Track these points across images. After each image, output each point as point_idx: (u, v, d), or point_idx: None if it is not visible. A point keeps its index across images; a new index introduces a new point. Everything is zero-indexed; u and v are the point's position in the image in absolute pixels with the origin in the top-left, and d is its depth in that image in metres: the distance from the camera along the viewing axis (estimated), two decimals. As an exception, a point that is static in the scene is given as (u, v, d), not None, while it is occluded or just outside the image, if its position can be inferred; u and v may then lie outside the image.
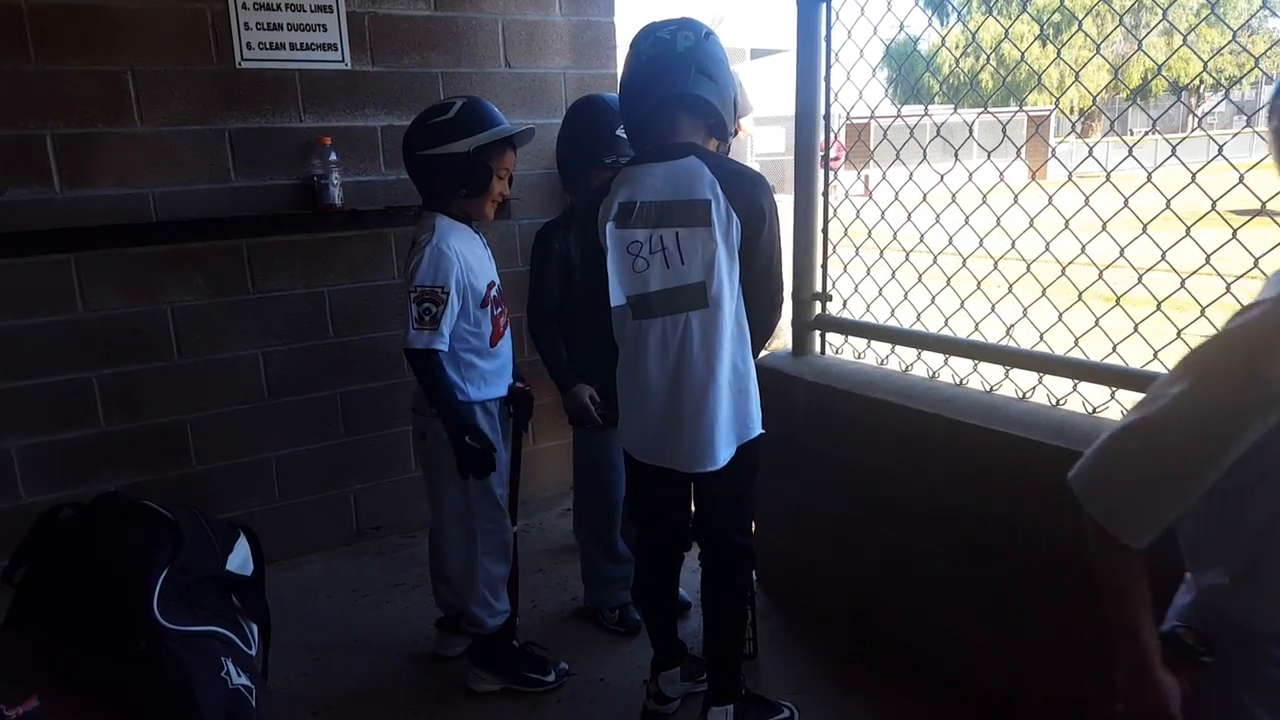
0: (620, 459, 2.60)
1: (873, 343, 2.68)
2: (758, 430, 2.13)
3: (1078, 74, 2.22)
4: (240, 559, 1.96)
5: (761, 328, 2.13)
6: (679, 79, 1.96)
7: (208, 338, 3.20)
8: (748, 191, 1.99)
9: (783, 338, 2.95)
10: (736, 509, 2.22)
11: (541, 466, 3.91)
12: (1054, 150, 2.67)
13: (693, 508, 2.29)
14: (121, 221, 2.97)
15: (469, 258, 2.39)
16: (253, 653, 1.80)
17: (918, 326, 2.51)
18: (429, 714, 2.52)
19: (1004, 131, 2.27)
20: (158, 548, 1.75)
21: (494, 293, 2.47)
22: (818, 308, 2.79)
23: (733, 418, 2.07)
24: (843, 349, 2.82)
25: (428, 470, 2.54)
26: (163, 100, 3.00)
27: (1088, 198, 2.07)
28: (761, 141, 16.75)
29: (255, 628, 1.86)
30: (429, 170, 2.37)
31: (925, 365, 2.54)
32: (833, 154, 2.71)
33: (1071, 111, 22.35)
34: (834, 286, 2.78)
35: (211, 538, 1.90)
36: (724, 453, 2.06)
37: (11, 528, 2.12)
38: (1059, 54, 2.24)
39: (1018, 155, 2.27)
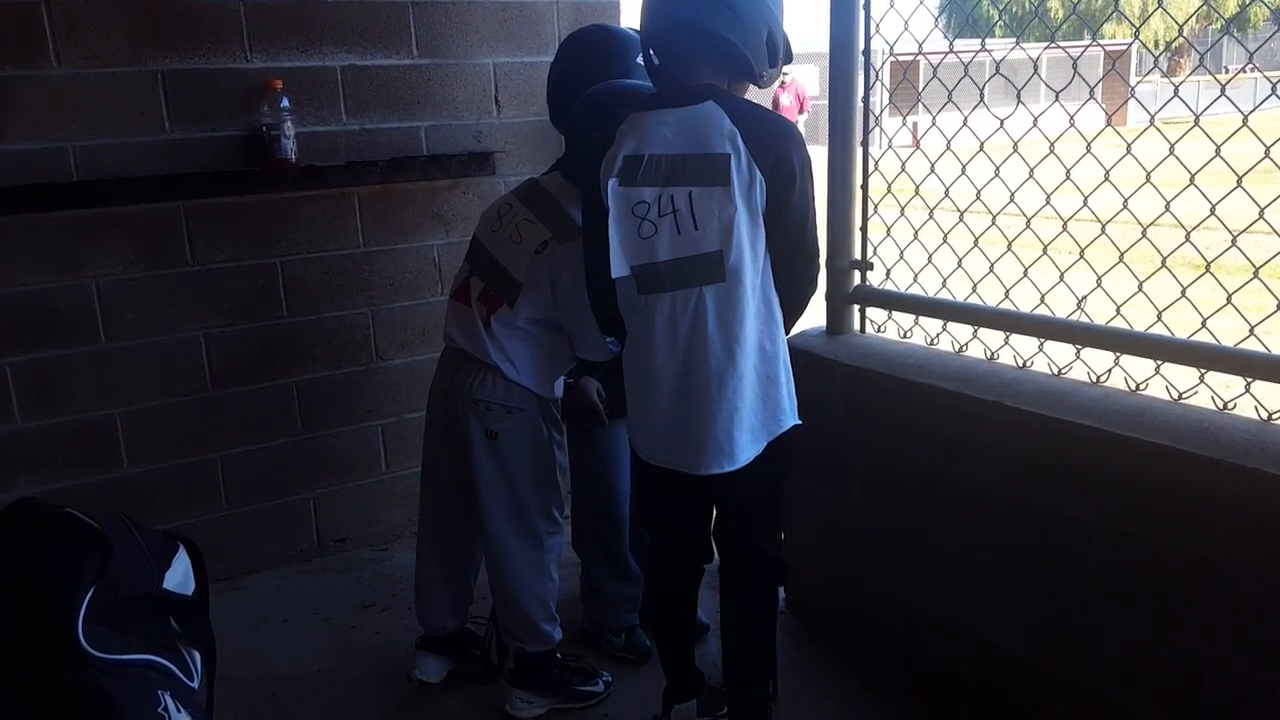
0: (627, 455, 2.62)
1: (920, 319, 2.68)
2: (791, 422, 2.13)
3: (1161, 1, 2.20)
4: (180, 576, 1.97)
5: (793, 303, 2.13)
6: (696, 6, 1.96)
7: (140, 318, 3.21)
8: (774, 143, 1.98)
9: (815, 313, 2.93)
10: (764, 513, 2.22)
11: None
12: (1134, 91, 2.66)
13: (713, 511, 2.30)
14: (36, 181, 2.97)
15: None
16: (195, 685, 1.81)
17: (973, 300, 2.51)
18: (402, 755, 2.53)
19: (1075, 69, 2.26)
20: (83, 562, 1.75)
21: None
22: (856, 278, 2.79)
23: (760, 408, 2.07)
24: (885, 326, 2.82)
25: (488, 476, 2.51)
26: (84, 36, 2.99)
27: (1172, 146, 2.05)
28: (798, 83, 16.69)
29: (198, 656, 1.87)
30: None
31: (982, 345, 2.53)
32: (786, 102, 2.71)
33: (1155, 46, 22.20)
34: (875, 253, 2.78)
35: (146, 551, 1.90)
36: (746, 450, 2.06)
37: None
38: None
39: (1091, 97, 2.25)
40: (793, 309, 2.14)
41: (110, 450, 3.24)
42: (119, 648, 1.69)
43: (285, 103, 3.20)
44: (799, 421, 2.15)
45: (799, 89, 16.57)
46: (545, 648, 2.63)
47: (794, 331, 2.31)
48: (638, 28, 2.16)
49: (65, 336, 3.12)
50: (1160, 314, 2.11)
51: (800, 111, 16.15)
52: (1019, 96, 2.36)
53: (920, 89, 2.70)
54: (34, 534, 1.84)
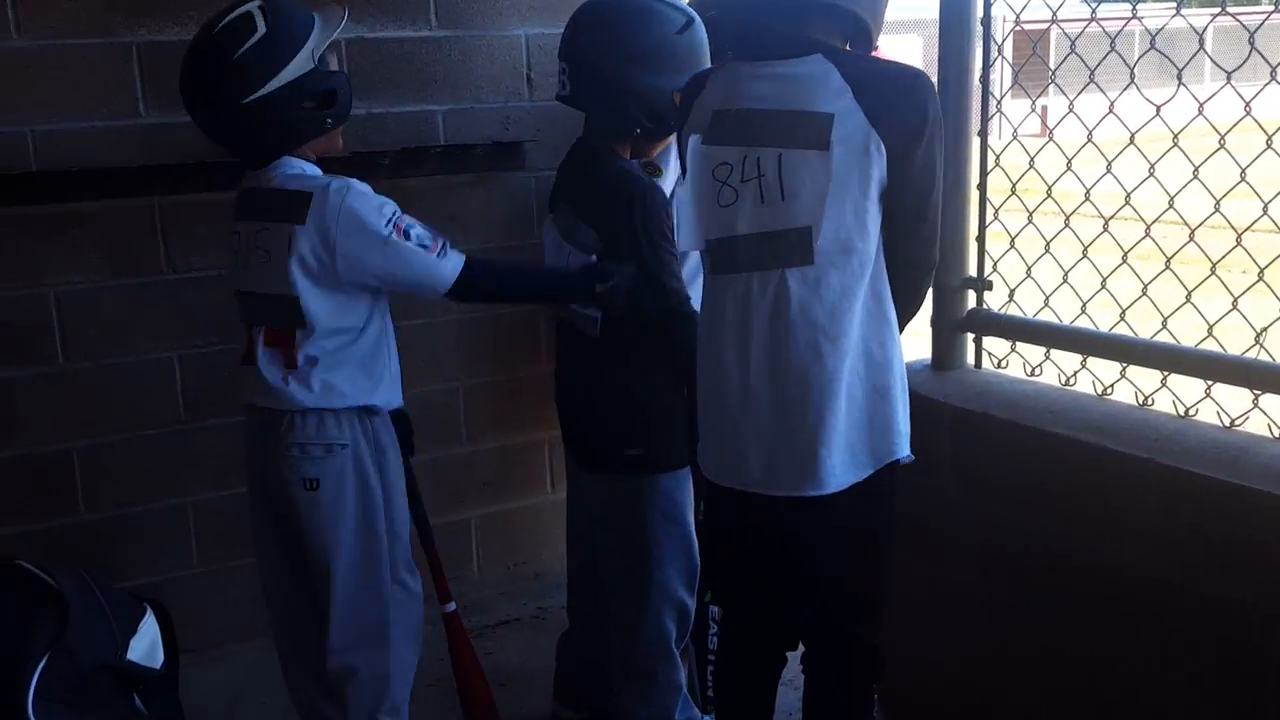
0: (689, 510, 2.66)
1: (1052, 352, 2.62)
2: (902, 452, 2.09)
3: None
4: (146, 645, 2.05)
5: (906, 297, 2.11)
6: None
7: (105, 334, 3.22)
8: (899, 98, 1.97)
9: (916, 341, 2.88)
10: (861, 580, 2.17)
11: (558, 526, 3.84)
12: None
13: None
14: (-13, 171, 3.01)
15: None
16: (160, 775, 1.88)
17: (1120, 329, 2.45)
18: None
19: (1252, 43, 2.22)
20: (35, 625, 1.82)
21: None
22: (970, 300, 2.76)
23: (864, 425, 2.03)
24: (1007, 361, 2.77)
25: (312, 533, 2.48)
26: (48, 2, 3.02)
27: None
28: (889, 55, 16.76)
29: (165, 741, 1.95)
30: (272, 114, 2.33)
31: (1132, 387, 2.46)
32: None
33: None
34: (995, 269, 2.74)
35: (109, 614, 1.97)
36: (838, 474, 2.01)
37: None
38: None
39: (1273, 77, 2.18)
40: (906, 305, 2.11)
41: (65, 491, 3.24)
42: (74, 727, 1.75)
43: (280, 81, 3.19)
44: (910, 455, 2.11)
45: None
46: None
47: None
48: None
49: (16, 355, 3.14)
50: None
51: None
52: (1179, 76, 2.30)
53: (1053, 66, 2.69)
54: None
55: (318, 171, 2.45)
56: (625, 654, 2.78)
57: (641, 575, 2.69)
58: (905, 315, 2.13)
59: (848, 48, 2.06)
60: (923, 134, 1.97)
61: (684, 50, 2.55)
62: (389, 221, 2.35)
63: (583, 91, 2.59)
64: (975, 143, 2.67)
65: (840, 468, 2.01)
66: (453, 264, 2.39)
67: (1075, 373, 2.59)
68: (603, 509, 2.77)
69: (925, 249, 2.13)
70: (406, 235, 2.35)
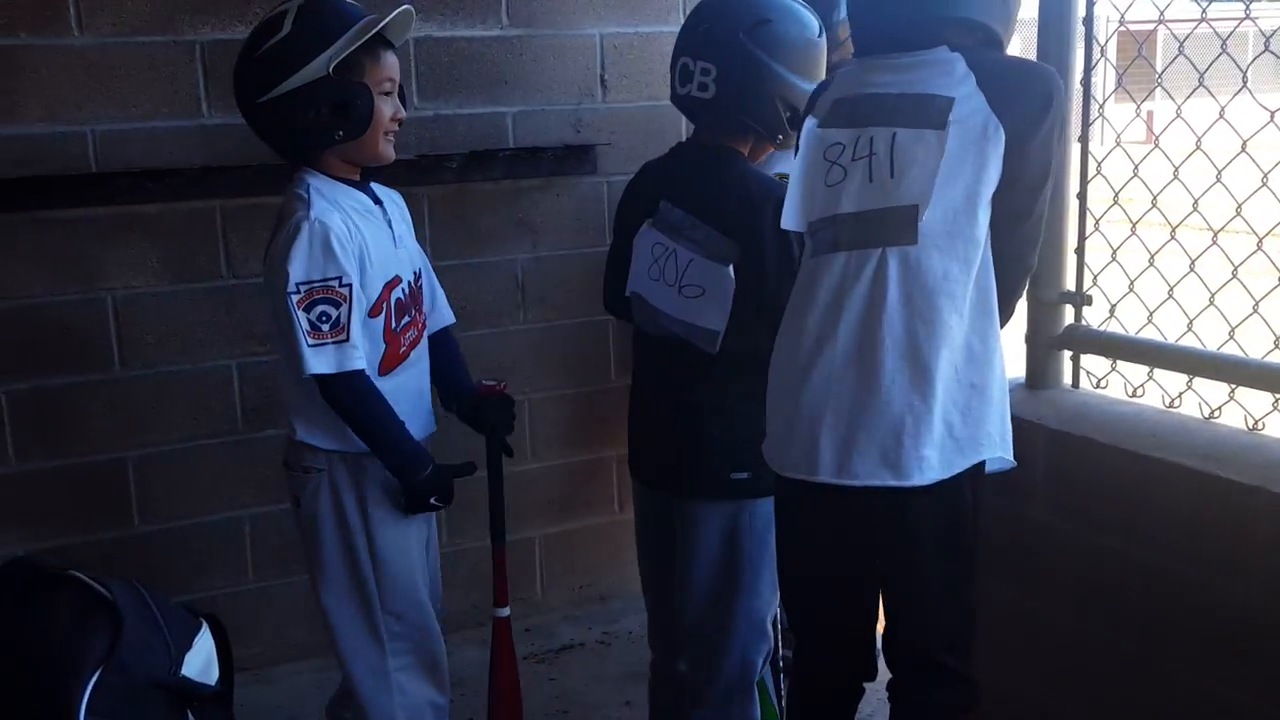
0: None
1: (1156, 372, 2.60)
2: (1000, 453, 2.08)
3: None
4: (202, 661, 2.05)
5: (1006, 290, 2.09)
6: None
7: (163, 340, 3.28)
8: (1024, 83, 2.03)
9: (1009, 358, 2.87)
10: (949, 599, 2.15)
11: (631, 547, 3.85)
12: None
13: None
14: (48, 172, 3.07)
15: (365, 235, 2.38)
16: (214, 796, 1.88)
17: (1228, 348, 2.41)
18: None
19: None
20: (89, 638, 1.82)
21: (398, 293, 2.46)
22: (1068, 315, 2.74)
23: (959, 421, 2.02)
24: (1107, 380, 2.74)
25: (310, 552, 2.53)
26: (111, 1, 3.08)
27: None
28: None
29: (218, 763, 1.94)
30: (279, 117, 2.33)
31: (1241, 409, 2.43)
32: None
33: None
34: (1095, 283, 2.72)
35: (163, 628, 1.98)
36: (925, 466, 2.00)
37: None
38: None
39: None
40: (1005, 299, 2.10)
41: (120, 500, 3.31)
42: (127, 744, 1.76)
43: (345, 80, 3.23)
44: (1013, 461, 2.11)
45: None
46: None
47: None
48: None
49: (73, 361, 3.21)
50: None
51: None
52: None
53: (1160, 69, 2.67)
54: (30, 602, 1.93)
55: (318, 197, 2.35)
56: (703, 687, 2.72)
57: (730, 605, 2.63)
58: (1004, 313, 2.13)
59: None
60: (1042, 123, 2.00)
61: (821, 55, 2.56)
62: (301, 288, 2.27)
63: (731, 93, 2.48)
64: (1076, 149, 2.61)
65: (925, 461, 2.00)
66: (316, 365, 2.28)
67: (1180, 394, 2.56)
68: (695, 536, 2.66)
69: (1027, 247, 2.13)
70: (307, 309, 2.27)
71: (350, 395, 2.33)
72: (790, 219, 2.15)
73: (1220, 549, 2.26)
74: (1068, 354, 2.78)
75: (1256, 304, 2.35)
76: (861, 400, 2.01)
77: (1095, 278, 2.71)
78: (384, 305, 2.41)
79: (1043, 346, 2.77)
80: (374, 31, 2.30)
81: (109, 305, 3.21)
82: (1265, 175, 2.33)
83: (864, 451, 2.01)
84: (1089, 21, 2.62)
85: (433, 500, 2.45)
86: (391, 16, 2.32)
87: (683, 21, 2.78)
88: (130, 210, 3.18)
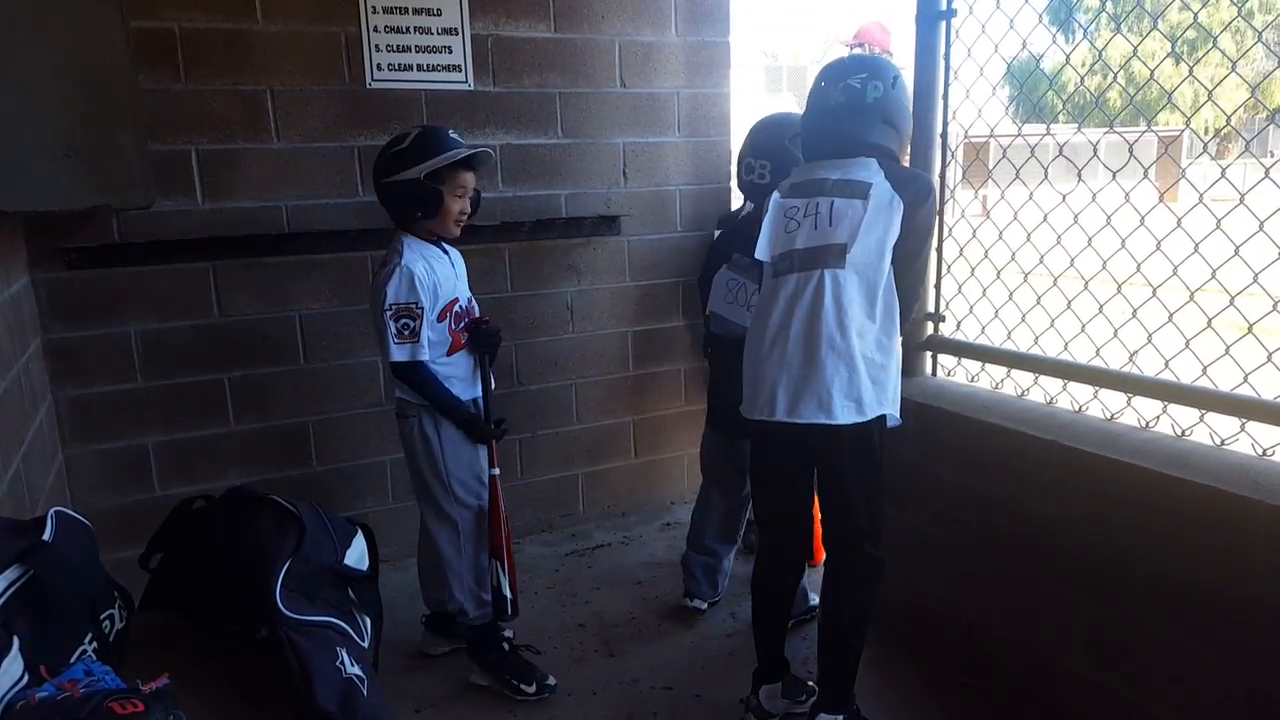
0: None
1: (986, 366, 2.61)
2: (891, 411, 2.14)
3: (1210, 93, 2.13)
4: (357, 554, 2.02)
5: (903, 307, 2.18)
6: (863, 130, 2.14)
7: (332, 344, 3.33)
8: (915, 179, 2.15)
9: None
10: (861, 502, 2.19)
11: (643, 481, 3.93)
12: (1184, 172, 2.55)
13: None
14: (257, 232, 3.13)
15: (437, 274, 2.52)
16: (365, 645, 1.85)
17: (1035, 350, 2.44)
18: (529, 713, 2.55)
19: (1131, 152, 2.20)
20: (282, 539, 1.82)
21: (457, 308, 2.59)
22: (930, 328, 2.74)
23: (869, 386, 2.09)
24: (955, 371, 2.76)
25: (412, 469, 2.67)
26: (298, 118, 3.15)
27: (1219, 221, 1.97)
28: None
29: (369, 621, 1.91)
30: (390, 196, 2.50)
31: (1042, 391, 2.46)
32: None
33: (1205, 132, 21.19)
34: (948, 307, 2.73)
35: (332, 532, 1.96)
36: (841, 412, 2.07)
37: (147, 518, 2.23)
38: (1191, 72, 2.15)
39: (1145, 176, 2.18)
40: (904, 312, 2.18)
41: (303, 450, 3.36)
42: (307, 610, 1.75)
43: (454, 172, 3.29)
44: (899, 420, 2.18)
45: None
46: (468, 621, 2.67)
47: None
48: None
49: (272, 357, 3.26)
50: (1205, 368, 2.02)
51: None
52: (1080, 175, 2.32)
53: (991, 167, 2.68)
54: (244, 516, 1.92)
55: (409, 250, 2.49)
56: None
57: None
58: (905, 318, 2.21)
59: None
60: (926, 202, 2.12)
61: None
62: (391, 305, 2.44)
63: (780, 177, 2.48)
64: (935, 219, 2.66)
65: (846, 408, 2.07)
66: (398, 354, 2.46)
67: (1002, 380, 2.58)
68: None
69: (916, 279, 2.24)
70: (395, 320, 2.44)
71: (417, 375, 2.51)
72: (762, 253, 2.22)
73: (1028, 480, 2.30)
74: (929, 354, 2.79)
75: (1053, 320, 2.37)
76: (805, 370, 2.10)
77: (948, 304, 2.73)
78: (448, 314, 2.56)
79: (913, 348, 2.78)
80: (455, 159, 2.47)
81: (297, 320, 3.27)
82: (1059, 235, 2.34)
83: (807, 402, 2.09)
84: (944, 135, 2.63)
85: (475, 440, 2.61)
86: (470, 152, 2.49)
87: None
88: (311, 258, 3.24)
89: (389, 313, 2.45)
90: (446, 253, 2.62)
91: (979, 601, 2.52)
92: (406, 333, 2.46)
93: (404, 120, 3.28)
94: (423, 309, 2.46)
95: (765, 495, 2.38)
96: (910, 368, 2.80)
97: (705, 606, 3.07)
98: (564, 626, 3.05)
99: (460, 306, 2.60)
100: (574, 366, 3.74)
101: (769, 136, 2.80)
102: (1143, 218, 2.14)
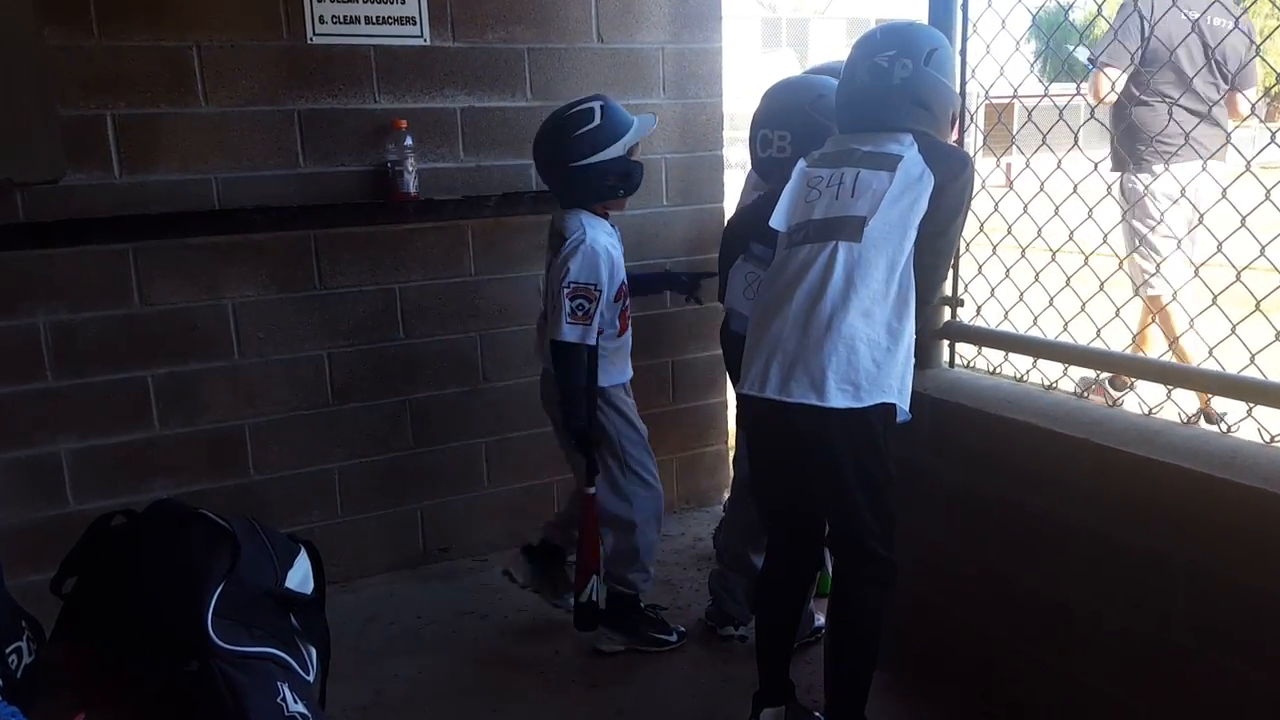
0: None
1: (1010, 356, 2.63)
2: (894, 400, 2.16)
3: (1258, 47, 2.14)
4: (300, 576, 2.00)
5: (924, 289, 2.22)
6: (891, 114, 2.21)
7: (270, 336, 3.32)
8: (950, 153, 2.22)
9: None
10: (866, 507, 2.21)
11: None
12: (1230, 136, 2.57)
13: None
14: (183, 209, 3.10)
15: (613, 254, 2.78)
16: (311, 679, 1.84)
17: (1064, 338, 2.45)
18: (497, 757, 2.56)
19: (1170, 114, 2.21)
20: (214, 559, 1.79)
21: (623, 287, 2.85)
22: (946, 314, 2.75)
23: (871, 371, 2.12)
24: (975, 362, 2.77)
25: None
26: (229, 78, 3.13)
27: (1269, 191, 1.98)
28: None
29: (314, 652, 1.90)
30: (583, 179, 2.74)
31: (1072, 383, 2.48)
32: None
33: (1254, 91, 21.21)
34: (966, 290, 2.74)
35: (271, 551, 1.93)
36: (834, 395, 2.11)
37: (60, 536, 2.12)
38: (1236, 23, 2.16)
39: (1185, 141, 2.20)
40: (925, 292, 2.24)
41: (239, 457, 3.35)
42: (244, 640, 1.73)
43: (409, 141, 3.30)
44: (908, 415, 2.22)
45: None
46: (632, 593, 2.97)
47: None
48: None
49: (202, 352, 3.24)
50: (1254, 357, 2.04)
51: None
52: (1114, 139, 2.31)
53: (1015, 131, 2.68)
54: (170, 533, 1.90)
55: (590, 228, 2.74)
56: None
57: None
58: (923, 302, 2.25)
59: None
60: (959, 177, 2.18)
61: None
62: (571, 283, 2.67)
63: (802, 151, 2.50)
64: (952, 191, 2.67)
65: (842, 392, 2.10)
66: (568, 334, 2.69)
67: (1027, 371, 2.59)
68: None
69: (940, 258, 2.29)
70: (571, 299, 2.67)
71: (574, 358, 2.73)
72: (778, 221, 2.28)
73: (1055, 484, 2.30)
74: (946, 343, 2.80)
75: (1084, 304, 2.38)
76: (800, 346, 2.14)
77: (966, 286, 2.73)
78: (622, 292, 2.83)
79: (927, 336, 2.76)
80: (648, 129, 2.79)
81: (229, 309, 3.24)
82: (1091, 209, 2.37)
83: (799, 379, 2.13)
84: (962, 95, 2.60)
85: (574, 442, 2.81)
86: (653, 121, 2.85)
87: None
88: (245, 238, 3.21)
89: (567, 290, 2.67)
90: (614, 229, 2.87)
91: (1001, 623, 2.53)
92: (580, 313, 2.69)
93: (351, 82, 3.27)
94: (600, 292, 2.70)
95: (766, 492, 2.44)
96: (924, 358, 2.79)
97: (748, 633, 3.04)
98: (539, 654, 3.04)
99: (626, 284, 2.86)
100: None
101: (787, 103, 2.73)
102: (1183, 189, 2.16)
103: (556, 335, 2.70)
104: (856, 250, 2.12)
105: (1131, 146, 3.28)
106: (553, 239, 2.86)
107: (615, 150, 2.72)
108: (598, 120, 2.69)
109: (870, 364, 2.12)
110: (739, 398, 2.33)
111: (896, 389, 2.16)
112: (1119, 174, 3.33)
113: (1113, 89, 3.13)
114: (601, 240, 2.73)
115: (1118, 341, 2.34)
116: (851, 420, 2.12)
